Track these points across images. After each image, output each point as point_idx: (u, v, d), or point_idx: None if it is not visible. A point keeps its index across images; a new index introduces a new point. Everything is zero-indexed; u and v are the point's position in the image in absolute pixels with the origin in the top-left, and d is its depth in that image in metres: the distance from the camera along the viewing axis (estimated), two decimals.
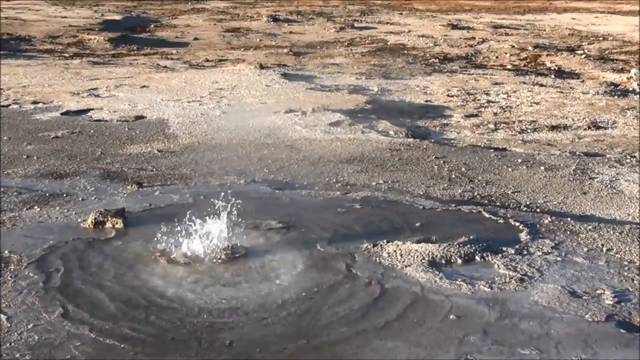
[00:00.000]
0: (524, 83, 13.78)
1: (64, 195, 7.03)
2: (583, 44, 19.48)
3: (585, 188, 7.47)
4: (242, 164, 8.13)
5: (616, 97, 12.54)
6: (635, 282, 5.29)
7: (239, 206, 5.91)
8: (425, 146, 9.02)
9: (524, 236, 6.07)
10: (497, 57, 17.22)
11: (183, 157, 8.45)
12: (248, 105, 11.25)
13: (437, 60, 16.58)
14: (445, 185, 7.52)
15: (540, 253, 5.74)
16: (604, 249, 5.84)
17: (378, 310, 4.81)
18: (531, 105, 11.76)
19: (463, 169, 8.09)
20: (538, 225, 6.31)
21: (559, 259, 5.65)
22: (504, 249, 5.76)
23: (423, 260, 5.50)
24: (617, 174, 7.99)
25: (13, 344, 4.35)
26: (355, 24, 23.31)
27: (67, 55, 16.98)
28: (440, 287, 5.13)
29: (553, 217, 6.51)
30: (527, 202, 7.02)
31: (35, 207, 6.67)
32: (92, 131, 9.63)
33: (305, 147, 8.86)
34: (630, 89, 13.33)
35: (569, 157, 8.63)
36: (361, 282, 5.22)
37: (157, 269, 5.40)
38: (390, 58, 16.94)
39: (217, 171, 7.84)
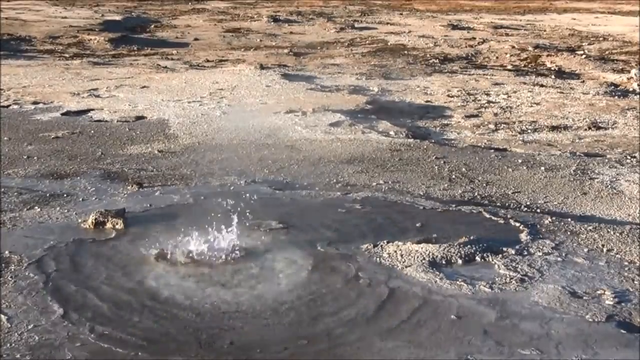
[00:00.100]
0: (524, 83, 13.78)
1: (65, 195, 7.03)
2: (583, 44, 19.49)
3: (585, 188, 7.48)
4: (242, 164, 8.13)
5: (616, 97, 12.55)
6: (635, 282, 5.29)
7: (239, 206, 5.92)
8: (425, 146, 9.02)
9: (524, 236, 6.07)
10: (497, 57, 17.21)
11: (183, 157, 8.45)
12: (248, 105, 11.25)
13: (437, 61, 16.58)
14: (446, 185, 7.52)
15: (540, 253, 5.74)
16: (605, 250, 5.84)
17: (378, 311, 4.81)
18: (531, 106, 11.77)
19: (463, 169, 8.09)
20: (538, 226, 6.31)
21: (559, 259, 5.65)
22: (505, 249, 5.77)
23: (423, 261, 5.50)
24: (617, 174, 7.99)
25: (13, 345, 4.35)
26: (356, 25, 23.31)
27: (67, 55, 16.98)
28: (440, 287, 5.13)
29: (553, 218, 6.51)
30: (528, 203, 7.02)
31: (36, 207, 6.67)
32: (92, 131, 9.63)
33: (306, 148, 8.86)
34: (631, 89, 13.33)
35: (569, 158, 8.63)
36: (361, 282, 5.22)
37: (157, 269, 5.39)
38: (391, 58, 16.94)
39: (217, 171, 7.84)
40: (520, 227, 6.26)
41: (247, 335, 4.51)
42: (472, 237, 5.88)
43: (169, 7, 27.80)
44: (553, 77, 14.69)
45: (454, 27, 22.37)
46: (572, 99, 12.37)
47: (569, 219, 6.49)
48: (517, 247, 5.83)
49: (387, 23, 24.01)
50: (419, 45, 19.21)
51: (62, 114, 10.66)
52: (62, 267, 5.39)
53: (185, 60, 16.52)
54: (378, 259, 5.58)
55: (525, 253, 5.74)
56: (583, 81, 14.29)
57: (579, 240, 6.02)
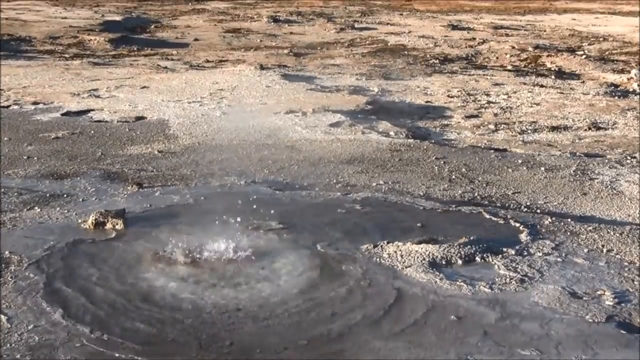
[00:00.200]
0: (524, 84, 13.78)
1: (65, 195, 7.04)
2: (583, 44, 19.49)
3: (585, 189, 7.48)
4: (242, 164, 8.13)
5: (616, 97, 12.55)
6: (635, 282, 5.29)
7: (239, 207, 5.92)
8: (425, 147, 9.02)
9: (524, 237, 6.07)
10: (497, 57, 17.22)
11: (183, 157, 8.45)
12: (248, 106, 11.25)
13: (437, 61, 16.58)
14: (446, 186, 7.52)
15: (540, 254, 5.74)
16: (605, 250, 5.84)
17: (378, 311, 4.81)
18: (531, 106, 11.77)
19: (463, 169, 8.09)
20: (538, 226, 6.31)
21: (559, 259, 5.65)
22: (505, 249, 5.77)
23: (423, 261, 5.50)
24: (617, 174, 7.99)
25: (13, 345, 4.35)
26: (356, 25, 23.31)
27: (67, 56, 16.99)
28: (440, 287, 5.13)
29: (553, 218, 6.51)
30: (528, 203, 7.02)
31: (36, 207, 6.67)
32: (92, 132, 9.63)
33: (306, 148, 8.87)
34: (631, 89, 13.33)
35: (569, 158, 8.63)
36: (361, 283, 5.22)
37: (157, 269, 5.39)
38: (391, 59, 16.94)
39: (217, 172, 7.84)
40: (520, 228, 6.26)
41: (247, 336, 4.51)
42: (472, 238, 5.88)
43: (169, 8, 27.81)
44: (553, 77, 14.69)
45: (454, 28, 22.37)
46: (572, 99, 12.37)
47: (569, 220, 6.49)
48: (517, 247, 5.83)
49: (387, 23, 24.01)
50: (419, 45, 19.22)
51: (62, 115, 10.67)
52: (62, 267, 5.39)
53: (185, 60, 16.52)
54: (378, 259, 5.58)
55: (525, 253, 5.74)
56: (583, 81, 14.30)
57: (579, 240, 6.02)
